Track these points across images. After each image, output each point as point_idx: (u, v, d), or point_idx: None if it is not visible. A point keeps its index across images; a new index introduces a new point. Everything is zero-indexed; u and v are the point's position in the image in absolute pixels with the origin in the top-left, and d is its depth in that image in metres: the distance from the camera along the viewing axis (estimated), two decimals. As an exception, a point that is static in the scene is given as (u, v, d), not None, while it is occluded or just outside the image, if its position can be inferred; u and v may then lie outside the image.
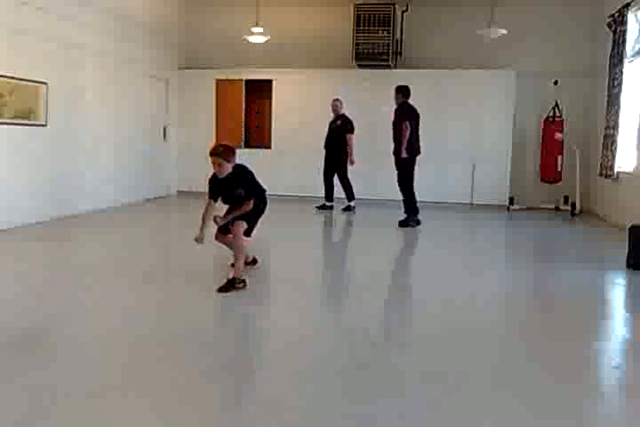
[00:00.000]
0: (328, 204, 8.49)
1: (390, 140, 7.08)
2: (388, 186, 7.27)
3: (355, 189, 8.49)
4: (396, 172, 7.11)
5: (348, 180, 8.42)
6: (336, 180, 8.49)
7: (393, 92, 7.10)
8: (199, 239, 3.95)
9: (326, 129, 8.47)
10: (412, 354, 2.91)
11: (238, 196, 4.02)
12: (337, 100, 8.37)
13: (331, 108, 8.41)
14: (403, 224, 7.03)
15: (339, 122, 8.33)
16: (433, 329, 3.33)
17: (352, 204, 8.44)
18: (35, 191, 6.48)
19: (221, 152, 3.96)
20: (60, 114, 6.86)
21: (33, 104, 6.44)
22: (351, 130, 8.25)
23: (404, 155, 6.87)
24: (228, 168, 3.98)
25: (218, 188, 4.08)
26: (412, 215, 7.08)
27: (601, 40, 8.42)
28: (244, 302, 3.73)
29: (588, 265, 5.17)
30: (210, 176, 4.09)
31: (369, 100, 9.24)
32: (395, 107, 7.09)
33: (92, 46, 7.42)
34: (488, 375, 2.64)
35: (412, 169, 7.05)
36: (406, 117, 6.89)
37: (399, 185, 7.12)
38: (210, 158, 3.96)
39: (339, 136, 8.27)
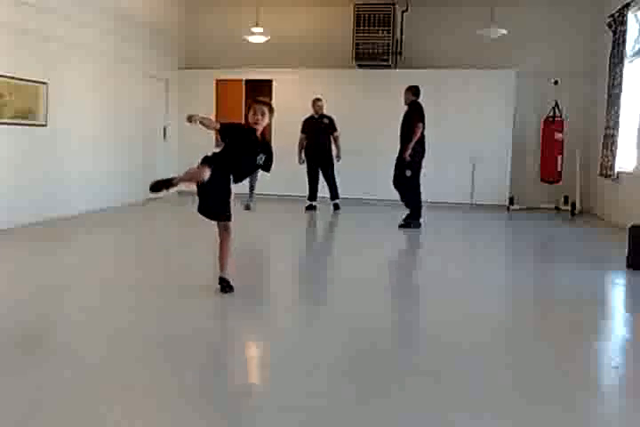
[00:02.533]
0: (314, 203, 8.48)
1: (389, 141, 7.02)
2: (386, 186, 7.26)
3: (352, 190, 8.48)
4: (393, 172, 7.03)
5: (335, 178, 8.44)
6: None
7: (403, 93, 6.93)
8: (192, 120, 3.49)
9: (300, 129, 8.35)
10: (412, 354, 2.91)
11: (257, 162, 3.61)
12: (320, 99, 8.33)
13: (314, 108, 8.29)
14: (404, 225, 6.98)
15: (326, 121, 8.29)
16: (432, 329, 3.33)
17: (338, 201, 8.46)
18: (35, 191, 6.47)
19: (269, 104, 3.64)
20: (59, 114, 6.85)
21: (33, 104, 6.43)
22: (336, 128, 8.29)
23: (407, 156, 6.69)
24: (265, 124, 3.59)
25: (243, 141, 3.55)
26: (414, 217, 7.02)
27: (601, 40, 8.41)
28: (243, 302, 3.73)
29: (588, 265, 5.17)
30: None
31: (369, 101, 9.23)
32: (405, 107, 6.93)
33: (91, 46, 7.42)
34: (488, 375, 2.63)
35: (420, 170, 6.95)
36: (420, 118, 6.73)
37: (400, 185, 7.05)
38: (253, 106, 3.56)
39: (326, 136, 8.28)
